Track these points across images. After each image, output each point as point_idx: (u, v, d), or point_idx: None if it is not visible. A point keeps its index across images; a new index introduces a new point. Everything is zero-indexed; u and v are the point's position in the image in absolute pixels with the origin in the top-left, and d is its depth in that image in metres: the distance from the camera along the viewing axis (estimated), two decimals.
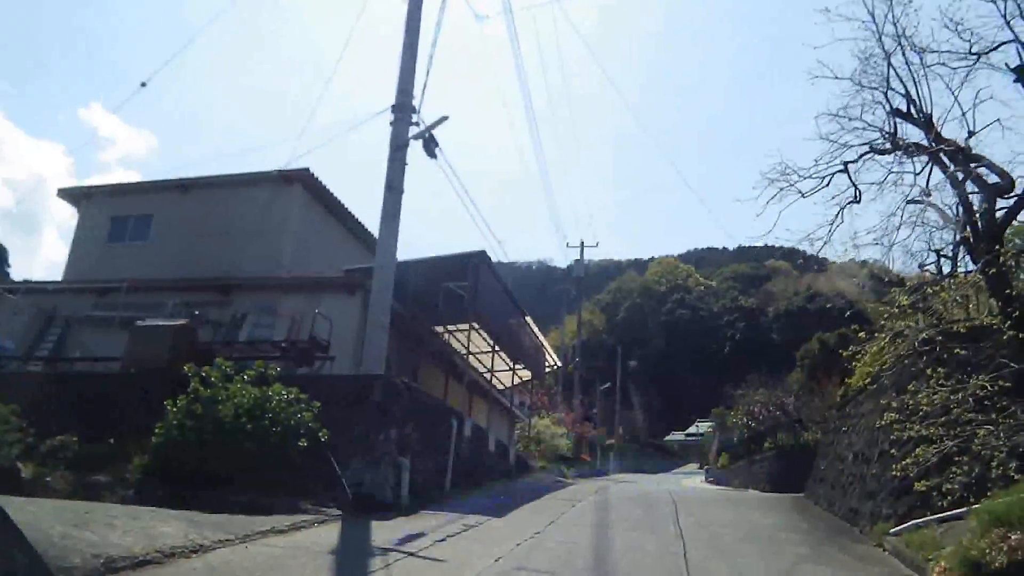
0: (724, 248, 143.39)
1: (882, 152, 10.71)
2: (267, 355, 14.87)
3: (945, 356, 9.76)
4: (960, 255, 10.56)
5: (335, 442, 12.29)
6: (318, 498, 11.42)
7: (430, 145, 15.75)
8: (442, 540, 8.92)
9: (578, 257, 51.51)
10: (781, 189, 11.40)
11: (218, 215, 21.49)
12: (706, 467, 46.33)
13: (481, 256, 18.61)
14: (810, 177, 11.16)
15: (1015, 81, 8.73)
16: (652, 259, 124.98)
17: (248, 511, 10.02)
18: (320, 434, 11.95)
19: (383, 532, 9.44)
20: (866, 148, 10.80)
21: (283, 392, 11.92)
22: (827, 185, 11.19)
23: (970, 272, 9.53)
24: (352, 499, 11.61)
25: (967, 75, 9.44)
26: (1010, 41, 9.22)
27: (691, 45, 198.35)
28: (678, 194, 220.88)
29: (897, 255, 11.76)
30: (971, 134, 9.89)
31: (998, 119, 9.79)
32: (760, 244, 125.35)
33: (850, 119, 10.72)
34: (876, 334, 16.46)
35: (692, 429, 75.01)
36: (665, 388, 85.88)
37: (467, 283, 17.86)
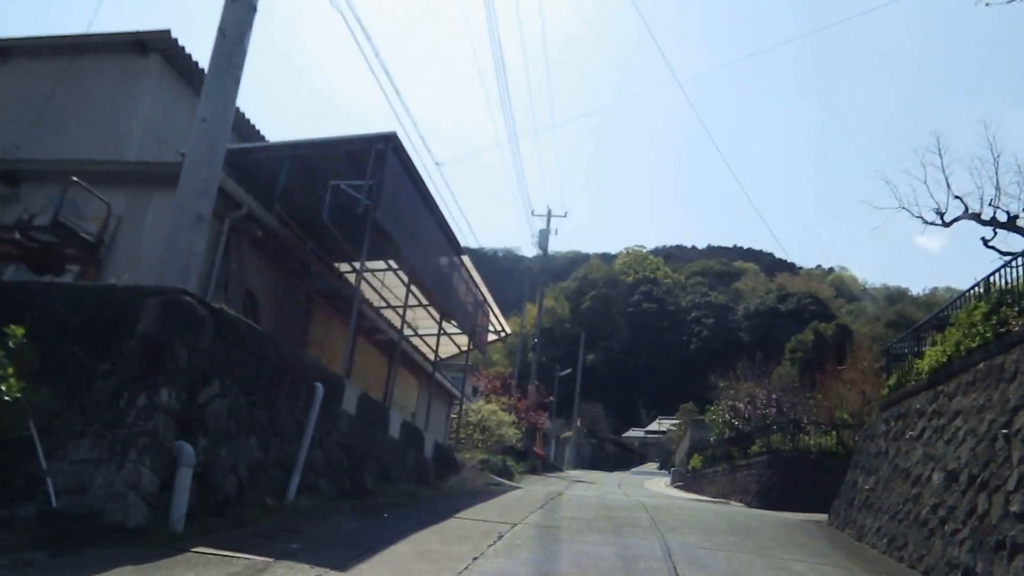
0: (693, 246, 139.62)
1: None
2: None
3: None
4: None
5: (52, 407, 6.45)
6: None
7: None
8: None
9: (543, 227, 45.55)
10: None
11: (47, 90, 15.39)
12: (672, 469, 41.16)
13: (389, 141, 11.80)
14: None
15: None
16: (621, 252, 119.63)
17: None
18: (2, 388, 6.09)
19: None
20: None
21: None
22: None
23: None
24: (51, 519, 5.78)
25: None
26: None
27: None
28: (650, 191, 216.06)
29: None
30: None
31: None
32: (729, 244, 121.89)
33: None
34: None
35: (654, 426, 70.28)
36: (627, 382, 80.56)
37: (369, 183, 11.33)
